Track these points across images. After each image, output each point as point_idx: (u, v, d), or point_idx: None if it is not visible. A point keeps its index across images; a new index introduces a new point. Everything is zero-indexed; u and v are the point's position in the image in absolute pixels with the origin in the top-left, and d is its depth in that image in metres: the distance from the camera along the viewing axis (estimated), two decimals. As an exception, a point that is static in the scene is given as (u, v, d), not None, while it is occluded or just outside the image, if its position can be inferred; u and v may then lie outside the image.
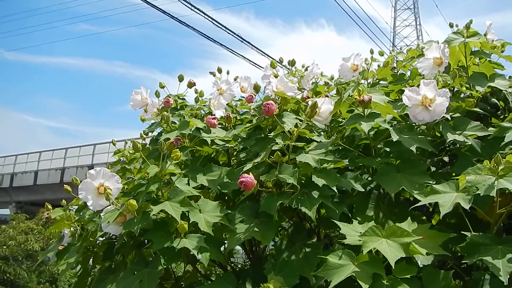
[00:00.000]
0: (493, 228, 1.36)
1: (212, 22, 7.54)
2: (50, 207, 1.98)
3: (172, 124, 1.91)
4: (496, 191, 1.20)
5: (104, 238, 1.93)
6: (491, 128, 1.66)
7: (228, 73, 2.45)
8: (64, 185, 2.24)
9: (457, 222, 1.59)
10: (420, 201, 1.42)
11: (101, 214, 1.58)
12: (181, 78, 2.12)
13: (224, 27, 7.80)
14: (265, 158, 1.59)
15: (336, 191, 1.48)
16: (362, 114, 1.66)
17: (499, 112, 2.02)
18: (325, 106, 1.77)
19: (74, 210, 2.11)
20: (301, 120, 1.75)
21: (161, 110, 2.07)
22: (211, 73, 2.40)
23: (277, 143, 1.64)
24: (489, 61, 2.00)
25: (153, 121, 2.10)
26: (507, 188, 1.19)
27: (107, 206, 1.58)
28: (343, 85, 2.51)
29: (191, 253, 1.45)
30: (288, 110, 1.90)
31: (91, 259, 1.98)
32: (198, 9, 7.25)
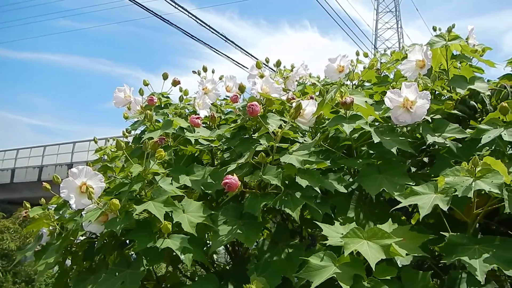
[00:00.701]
0: (470, 228, 1.40)
1: (196, 20, 7.51)
2: (28, 205, 1.95)
3: (156, 123, 1.89)
4: (473, 192, 1.23)
5: (84, 237, 1.91)
6: (468, 130, 1.70)
7: (213, 72, 2.45)
8: (43, 183, 2.21)
9: (436, 222, 1.62)
10: (401, 202, 1.46)
11: (83, 213, 1.56)
12: (165, 76, 2.11)
13: (208, 26, 7.78)
14: (249, 159, 1.59)
15: (319, 192, 1.49)
16: (344, 115, 1.68)
17: (477, 114, 2.07)
18: (310, 108, 1.78)
19: (53, 208, 2.08)
20: (285, 121, 1.77)
21: (144, 108, 2.05)
22: (194, 72, 2.39)
23: (261, 144, 1.64)
24: (470, 65, 2.04)
25: (136, 119, 2.08)
26: (483, 189, 1.22)
27: (90, 205, 1.56)
28: (327, 86, 2.55)
29: (174, 253, 1.44)
30: (273, 110, 1.91)
31: (69, 259, 1.96)
32: (182, 7, 7.22)
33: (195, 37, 7.80)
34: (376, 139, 1.62)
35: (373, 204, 1.65)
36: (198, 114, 2.01)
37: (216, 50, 8.01)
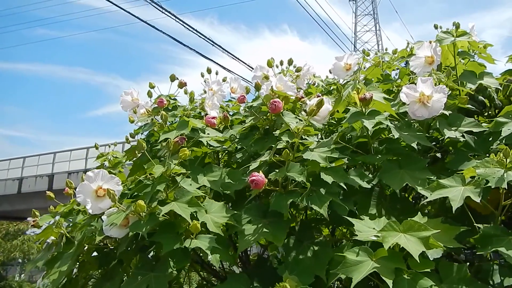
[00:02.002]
0: (497, 220, 1.40)
1: (182, 25, 7.45)
2: (37, 213, 1.88)
3: (169, 124, 1.85)
4: (506, 183, 1.24)
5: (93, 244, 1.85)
6: (484, 124, 1.72)
7: (217, 73, 2.43)
8: (47, 192, 2.14)
9: (457, 215, 1.63)
10: (427, 196, 1.45)
11: (103, 217, 1.50)
12: (173, 78, 2.08)
13: (195, 30, 7.74)
14: (271, 157, 1.57)
15: (345, 187, 1.48)
16: (363, 112, 1.68)
17: (484, 109, 2.10)
18: (324, 105, 1.77)
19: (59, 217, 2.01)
20: (299, 119, 1.75)
21: (153, 110, 2.01)
22: (202, 74, 2.36)
23: (281, 142, 1.62)
24: (473, 62, 2.07)
25: (145, 122, 2.03)
26: (517, 179, 1.23)
27: (109, 209, 1.51)
28: (331, 85, 2.56)
29: (200, 254, 1.40)
30: (284, 109, 1.90)
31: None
32: (169, 12, 7.16)
33: (181, 42, 7.74)
34: (396, 134, 1.63)
35: (395, 200, 1.65)
36: (206, 115, 1.98)
37: (203, 55, 7.97)
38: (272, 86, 1.86)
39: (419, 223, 1.26)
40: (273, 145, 1.62)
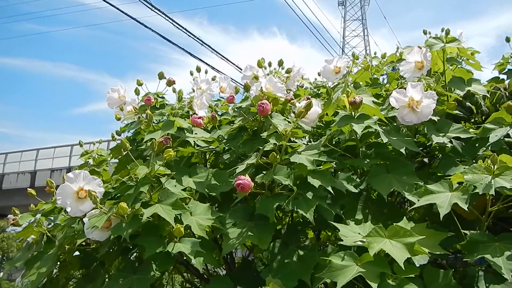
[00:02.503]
0: (483, 226, 1.40)
1: (172, 23, 7.39)
2: (17, 212, 1.82)
3: (154, 124, 1.82)
4: (493, 189, 1.24)
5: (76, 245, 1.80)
6: (471, 130, 1.73)
7: (206, 72, 2.39)
8: (28, 189, 2.08)
9: (443, 221, 1.63)
10: (415, 203, 1.45)
11: (85, 219, 1.46)
12: (161, 76, 2.04)
13: (185, 29, 7.67)
14: (258, 159, 1.54)
15: (332, 192, 1.47)
16: (352, 115, 1.67)
17: (471, 116, 2.11)
18: (313, 108, 1.76)
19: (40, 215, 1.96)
20: (288, 121, 1.74)
21: (140, 108, 1.97)
22: (191, 72, 2.33)
23: (268, 144, 1.60)
24: (461, 68, 2.08)
25: (131, 120, 1.99)
26: (504, 186, 1.23)
27: (90, 211, 1.46)
28: (320, 88, 2.55)
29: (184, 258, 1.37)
30: (274, 111, 1.88)
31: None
32: (158, 10, 7.08)
33: (170, 41, 7.68)
34: (384, 139, 1.62)
35: (382, 204, 1.64)
36: (195, 115, 1.95)
37: (192, 54, 7.92)
38: (261, 87, 1.84)
39: (405, 229, 1.25)
40: (261, 147, 1.60)
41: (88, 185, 1.51)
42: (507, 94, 1.99)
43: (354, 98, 1.60)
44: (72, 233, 1.59)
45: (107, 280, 1.56)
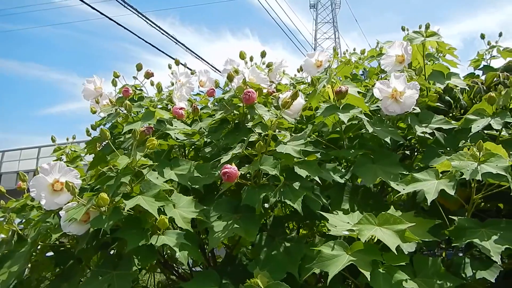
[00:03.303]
0: (468, 214, 1.41)
1: (146, 21, 7.24)
2: (-14, 209, 1.71)
3: (134, 116, 1.75)
4: (480, 175, 1.24)
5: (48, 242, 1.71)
6: (453, 122, 1.75)
7: (185, 65, 2.34)
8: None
9: (426, 210, 1.64)
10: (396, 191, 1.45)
11: (61, 212, 1.38)
12: (139, 67, 1.97)
13: (158, 27, 7.54)
14: (244, 149, 1.51)
15: (320, 182, 1.45)
16: (337, 105, 1.65)
17: (450, 110, 2.14)
18: (297, 99, 1.73)
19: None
20: (271, 113, 1.71)
21: (118, 100, 1.89)
22: (169, 66, 2.27)
23: (253, 134, 1.57)
24: (439, 64, 2.11)
25: (109, 113, 1.91)
26: (490, 172, 1.23)
27: (67, 204, 1.39)
28: (300, 83, 2.53)
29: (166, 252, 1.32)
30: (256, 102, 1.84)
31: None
32: (133, 8, 6.91)
33: (144, 39, 7.53)
34: (370, 129, 1.61)
35: (367, 195, 1.63)
36: (175, 106, 1.89)
37: (165, 53, 7.78)
38: (244, 78, 1.80)
39: (395, 216, 1.24)
40: (245, 138, 1.57)
41: (64, 177, 1.43)
42: (484, 88, 2.03)
43: (340, 87, 1.58)
44: (47, 228, 1.50)
45: (84, 278, 1.47)
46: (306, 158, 1.59)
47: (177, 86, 1.92)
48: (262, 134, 1.55)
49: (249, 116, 1.69)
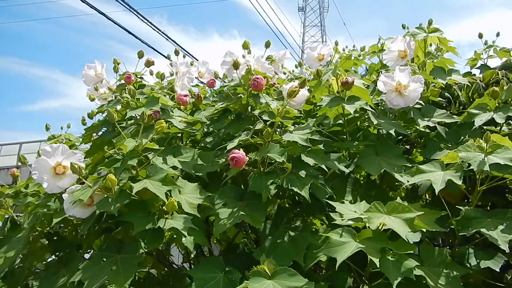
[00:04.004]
0: (472, 205, 1.42)
1: (137, 16, 7.16)
2: (-18, 193, 1.67)
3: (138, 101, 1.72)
4: (488, 166, 1.26)
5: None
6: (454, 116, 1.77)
7: (184, 57, 2.32)
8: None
9: (428, 203, 1.66)
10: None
11: (64, 195, 1.35)
12: (141, 55, 1.94)
13: (150, 22, 7.48)
14: (250, 137, 1.50)
15: (326, 170, 1.44)
16: (342, 97, 1.66)
17: (449, 106, 2.17)
18: (301, 91, 1.73)
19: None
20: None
21: (118, 87, 1.86)
22: (168, 56, 2.25)
23: (259, 122, 1.56)
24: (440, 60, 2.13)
25: (110, 99, 1.88)
26: (498, 162, 1.25)
27: (70, 187, 1.36)
28: (297, 78, 2.53)
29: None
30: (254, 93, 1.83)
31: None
32: (125, 2, 6.82)
33: (134, 34, 7.44)
34: (374, 121, 1.62)
35: (369, 187, 1.64)
36: (179, 93, 1.87)
37: (155, 49, 7.71)
38: (247, 68, 1.79)
39: (403, 205, 1.24)
40: (250, 127, 1.56)
41: (66, 160, 1.40)
42: (483, 85, 2.06)
43: (346, 78, 1.59)
44: (46, 213, 1.47)
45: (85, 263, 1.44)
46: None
47: (179, 75, 1.90)
48: (267, 123, 1.54)
49: (253, 104, 1.68)
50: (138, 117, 1.71)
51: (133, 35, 7.20)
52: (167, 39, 7.85)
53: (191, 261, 2.18)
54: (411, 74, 1.78)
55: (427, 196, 1.76)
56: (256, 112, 1.57)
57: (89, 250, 1.62)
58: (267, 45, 1.83)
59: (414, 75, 1.81)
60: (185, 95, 1.70)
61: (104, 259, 1.30)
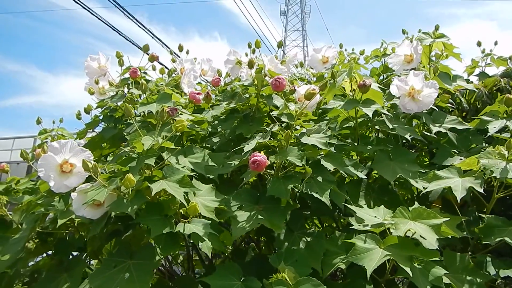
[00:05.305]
0: (489, 211, 1.42)
1: (123, 12, 6.97)
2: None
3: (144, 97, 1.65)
4: (511, 173, 1.26)
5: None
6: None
7: (187, 52, 2.25)
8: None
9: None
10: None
11: (73, 194, 1.27)
12: (146, 48, 1.87)
13: (137, 20, 7.29)
14: (267, 139, 1.45)
15: (346, 175, 1.41)
16: (358, 99, 1.64)
17: (453, 111, 2.19)
18: (313, 92, 1.70)
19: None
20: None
21: (122, 82, 1.78)
22: (171, 52, 2.17)
23: (275, 124, 1.52)
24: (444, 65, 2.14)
25: (113, 94, 1.79)
26: (521, 171, 1.25)
27: (79, 186, 1.28)
28: (301, 79, 2.51)
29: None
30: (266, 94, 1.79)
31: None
32: (115, 1, 6.63)
33: (118, 30, 7.24)
34: (390, 125, 1.60)
35: (382, 192, 1.62)
36: (192, 91, 1.81)
37: (140, 47, 7.52)
38: (258, 68, 1.74)
39: (428, 211, 1.22)
40: (264, 128, 1.51)
41: (74, 158, 1.32)
42: (486, 92, 2.08)
43: (364, 80, 1.56)
44: (50, 213, 1.38)
45: (92, 266, 1.36)
46: (323, 152, 1.56)
47: (186, 72, 1.84)
48: (283, 125, 1.50)
49: (262, 106, 1.64)
50: (146, 114, 1.64)
51: (118, 31, 7.02)
52: (152, 37, 7.70)
53: (180, 264, 2.12)
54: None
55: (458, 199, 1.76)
56: (274, 113, 1.52)
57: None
58: (280, 45, 1.79)
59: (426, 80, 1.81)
60: (198, 93, 1.64)
61: (115, 265, 1.22)
